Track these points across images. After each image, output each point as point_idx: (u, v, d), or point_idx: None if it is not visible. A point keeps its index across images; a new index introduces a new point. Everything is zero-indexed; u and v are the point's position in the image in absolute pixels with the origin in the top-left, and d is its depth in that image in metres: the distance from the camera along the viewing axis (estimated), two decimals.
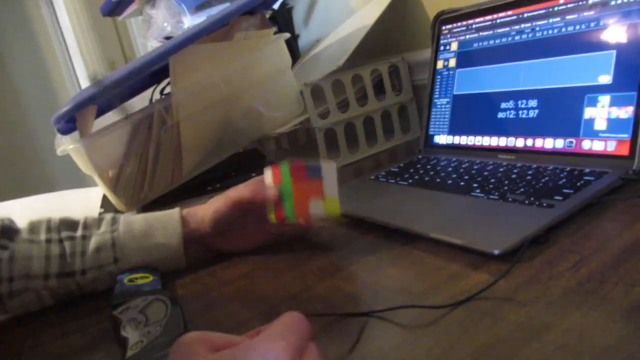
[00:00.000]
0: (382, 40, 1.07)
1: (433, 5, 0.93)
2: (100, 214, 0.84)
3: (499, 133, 0.71)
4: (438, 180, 0.67)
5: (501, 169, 0.64)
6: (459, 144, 0.77)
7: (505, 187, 0.58)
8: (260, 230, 0.58)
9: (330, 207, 0.54)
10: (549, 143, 0.64)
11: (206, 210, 0.58)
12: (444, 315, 0.38)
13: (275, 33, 0.94)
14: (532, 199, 0.52)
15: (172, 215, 0.57)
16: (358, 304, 0.42)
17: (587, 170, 0.57)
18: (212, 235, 0.57)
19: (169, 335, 0.39)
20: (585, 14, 0.62)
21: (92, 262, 0.54)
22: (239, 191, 0.57)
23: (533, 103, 0.67)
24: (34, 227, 0.55)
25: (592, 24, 0.61)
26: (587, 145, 0.60)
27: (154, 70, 0.85)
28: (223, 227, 0.57)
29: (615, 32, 0.58)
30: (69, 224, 0.56)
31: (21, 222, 0.56)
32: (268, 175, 0.56)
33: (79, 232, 0.55)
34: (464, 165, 0.70)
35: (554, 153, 0.64)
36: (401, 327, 0.38)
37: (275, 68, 0.93)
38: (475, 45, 0.76)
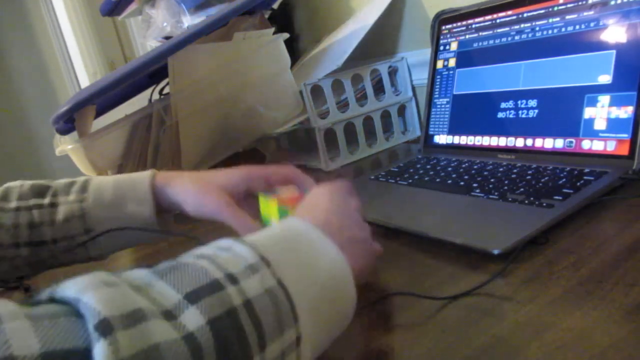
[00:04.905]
0: (382, 40, 1.07)
1: (433, 5, 0.93)
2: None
3: (498, 133, 0.71)
4: (438, 180, 0.67)
5: (501, 169, 0.64)
6: (459, 143, 0.77)
7: (505, 187, 0.58)
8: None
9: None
10: (548, 143, 0.64)
11: (190, 191, 0.53)
12: (443, 315, 0.38)
13: (274, 33, 0.94)
14: (532, 198, 0.52)
15: (142, 182, 0.53)
16: (357, 305, 0.42)
17: (587, 170, 0.57)
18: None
19: None
20: (585, 13, 0.62)
21: (61, 232, 0.52)
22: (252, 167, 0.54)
23: (533, 103, 0.67)
24: (7, 193, 0.53)
25: (592, 24, 0.61)
26: (586, 145, 0.60)
27: (153, 70, 0.85)
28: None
29: (615, 32, 0.58)
30: (39, 191, 0.54)
31: None
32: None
33: (47, 200, 0.53)
34: (463, 165, 0.70)
35: (553, 153, 0.64)
36: (401, 327, 0.38)
37: (274, 68, 0.93)
38: (475, 45, 0.76)
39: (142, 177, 0.54)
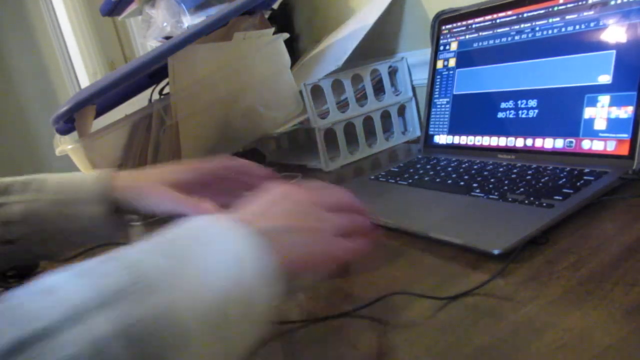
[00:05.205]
0: (382, 40, 1.07)
1: (433, 5, 0.93)
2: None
3: (498, 133, 0.71)
4: (438, 180, 0.67)
5: (501, 169, 0.64)
6: (459, 143, 0.77)
7: (505, 187, 0.58)
8: None
9: None
10: (548, 143, 0.64)
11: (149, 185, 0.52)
12: (443, 315, 0.38)
13: (274, 33, 0.94)
14: (532, 198, 0.52)
15: (87, 182, 0.52)
16: (358, 304, 0.42)
17: (586, 170, 0.57)
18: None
19: None
20: (585, 13, 0.62)
21: (15, 233, 0.51)
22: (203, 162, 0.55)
23: (533, 103, 0.67)
24: None
25: (592, 24, 0.61)
26: (586, 145, 0.60)
27: (153, 70, 0.85)
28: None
29: (615, 32, 0.58)
30: None
31: None
32: None
33: None
34: (463, 165, 0.70)
35: (553, 153, 0.64)
36: (401, 327, 0.38)
37: (274, 68, 0.93)
38: (475, 45, 0.76)
39: (87, 177, 0.53)
